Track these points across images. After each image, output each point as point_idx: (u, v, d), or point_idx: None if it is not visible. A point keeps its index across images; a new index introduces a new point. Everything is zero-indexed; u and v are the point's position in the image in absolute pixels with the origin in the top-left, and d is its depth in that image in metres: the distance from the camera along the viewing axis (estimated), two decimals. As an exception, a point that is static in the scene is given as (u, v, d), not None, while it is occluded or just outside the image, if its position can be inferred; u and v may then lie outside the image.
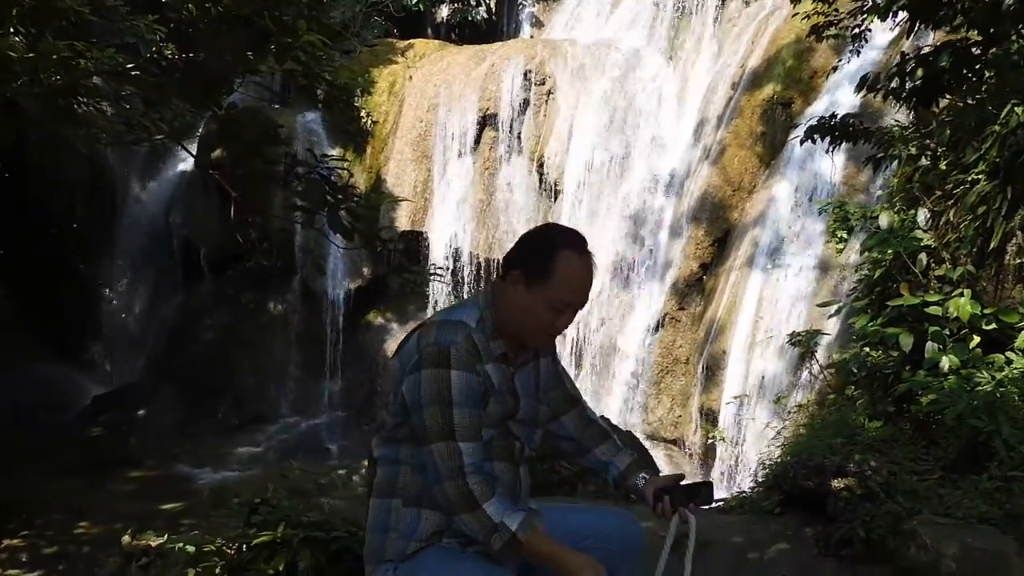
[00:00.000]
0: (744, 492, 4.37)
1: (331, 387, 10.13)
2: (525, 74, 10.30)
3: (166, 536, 3.85)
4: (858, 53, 6.98)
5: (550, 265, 1.83)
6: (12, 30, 5.67)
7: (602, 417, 2.33)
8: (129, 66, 5.72)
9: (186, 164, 10.85)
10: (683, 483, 2.05)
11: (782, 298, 8.18)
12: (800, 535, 3.42)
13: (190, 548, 3.47)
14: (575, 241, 1.90)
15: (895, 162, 5.31)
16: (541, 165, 10.22)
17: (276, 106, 10.43)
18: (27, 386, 9.76)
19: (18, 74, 5.98)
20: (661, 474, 2.17)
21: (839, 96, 8.35)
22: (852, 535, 3.16)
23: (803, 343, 6.28)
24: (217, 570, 3.39)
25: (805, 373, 7.19)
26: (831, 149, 5.61)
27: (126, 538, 4.40)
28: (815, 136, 5.43)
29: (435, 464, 1.79)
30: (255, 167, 6.00)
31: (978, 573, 2.26)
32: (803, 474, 3.51)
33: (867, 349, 4.81)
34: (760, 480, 4.21)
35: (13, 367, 9.77)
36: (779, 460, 4.30)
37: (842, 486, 3.35)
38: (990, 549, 2.30)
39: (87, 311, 10.79)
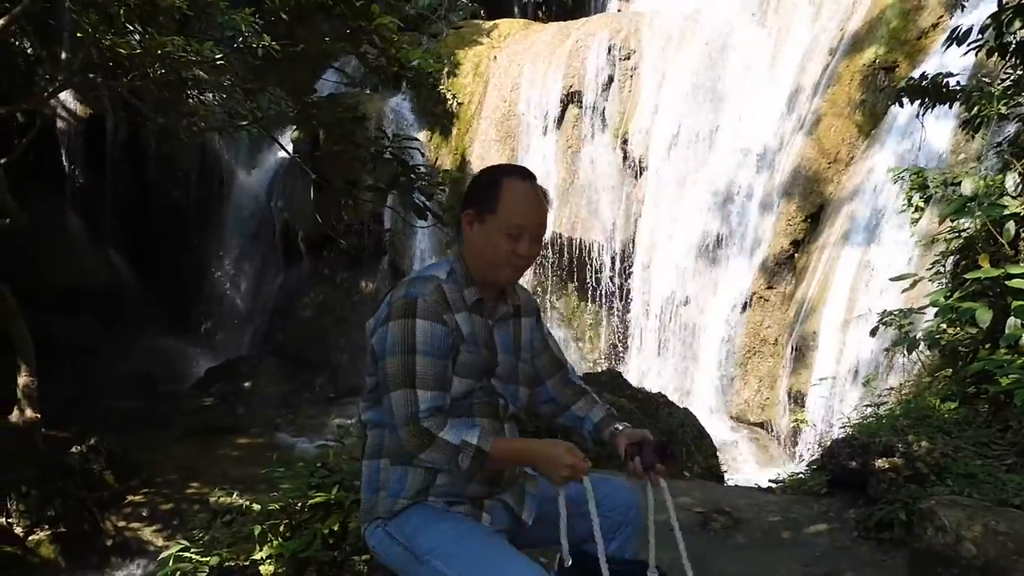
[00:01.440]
0: (800, 474, 4.25)
1: (420, 363, 10.46)
2: (609, 49, 10.14)
3: (234, 495, 4.12)
4: (962, 8, 6.43)
5: (496, 194, 1.87)
6: (124, 28, 6.18)
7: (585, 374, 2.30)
8: (218, 56, 6.09)
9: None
10: (652, 440, 1.98)
11: (880, 276, 7.64)
12: (842, 517, 3.31)
13: (256, 507, 3.77)
14: (518, 171, 1.95)
15: (993, 123, 4.90)
16: (625, 142, 10.04)
17: (367, 92, 10.78)
18: (151, 357, 10.69)
19: (128, 69, 6.53)
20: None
21: (948, 58, 7.84)
22: (892, 518, 3.02)
23: (896, 323, 5.82)
24: (281, 527, 3.65)
25: (900, 355, 6.85)
26: (922, 113, 5.19)
27: (213, 497, 4.82)
28: (902, 99, 5.07)
29: (391, 412, 1.80)
30: (334, 150, 6.26)
31: (1000, 558, 2.10)
32: (847, 453, 3.38)
33: (943, 326, 4.52)
34: (811, 461, 4.09)
35: (140, 340, 10.72)
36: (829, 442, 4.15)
37: (886, 466, 3.21)
38: (1015, 532, 2.14)
39: (200, 288, 11.61)
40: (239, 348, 11.24)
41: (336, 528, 3.46)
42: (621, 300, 10.10)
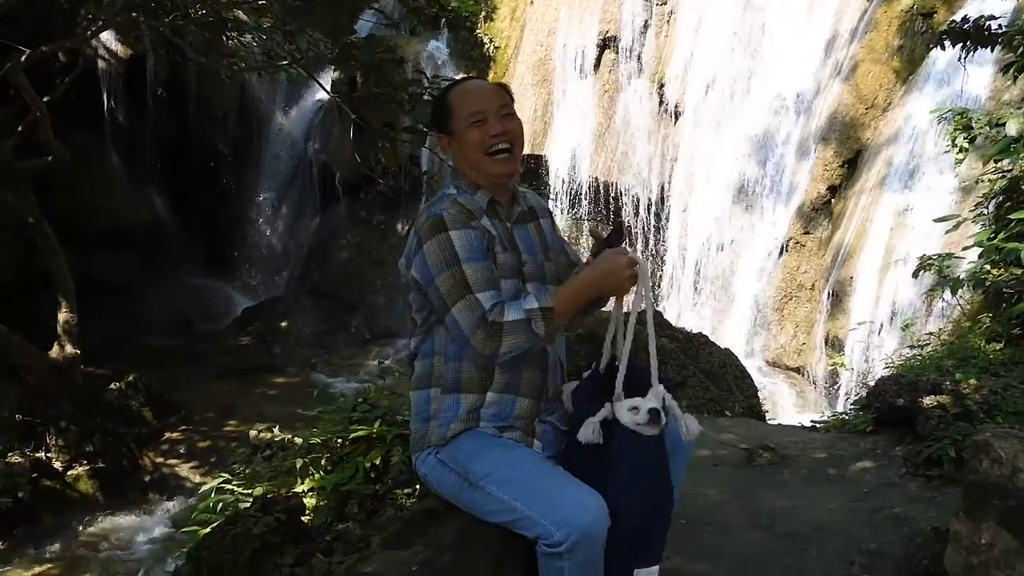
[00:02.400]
0: (843, 414, 4.23)
1: (455, 306, 10.54)
2: (646, -7, 9.94)
3: (275, 429, 4.22)
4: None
5: (447, 104, 1.95)
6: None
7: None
8: (262, -1, 6.01)
9: (323, 93, 11.35)
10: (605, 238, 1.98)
11: (918, 221, 7.63)
12: (889, 454, 3.28)
13: (298, 440, 3.85)
14: (461, 79, 2.14)
15: None
16: (662, 86, 9.92)
17: (405, 35, 10.63)
18: (189, 297, 10.87)
19: (170, 9, 6.51)
20: None
21: (987, 3, 7.43)
22: (942, 454, 2.99)
23: (936, 266, 5.69)
24: (323, 461, 3.74)
25: (940, 300, 6.69)
26: (964, 57, 5.00)
27: (253, 432, 4.94)
28: (944, 42, 4.90)
29: (458, 326, 1.78)
30: (373, 91, 6.20)
31: (1059, 490, 2.07)
32: (895, 391, 3.34)
33: (987, 267, 4.44)
34: (856, 400, 4.06)
35: (179, 279, 10.89)
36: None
37: (935, 404, 3.18)
38: (1074, 464, 2.09)
39: (238, 228, 11.68)
40: (275, 289, 11.37)
41: (378, 462, 3.52)
42: (656, 244, 10.07)
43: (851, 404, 4.31)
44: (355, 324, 10.40)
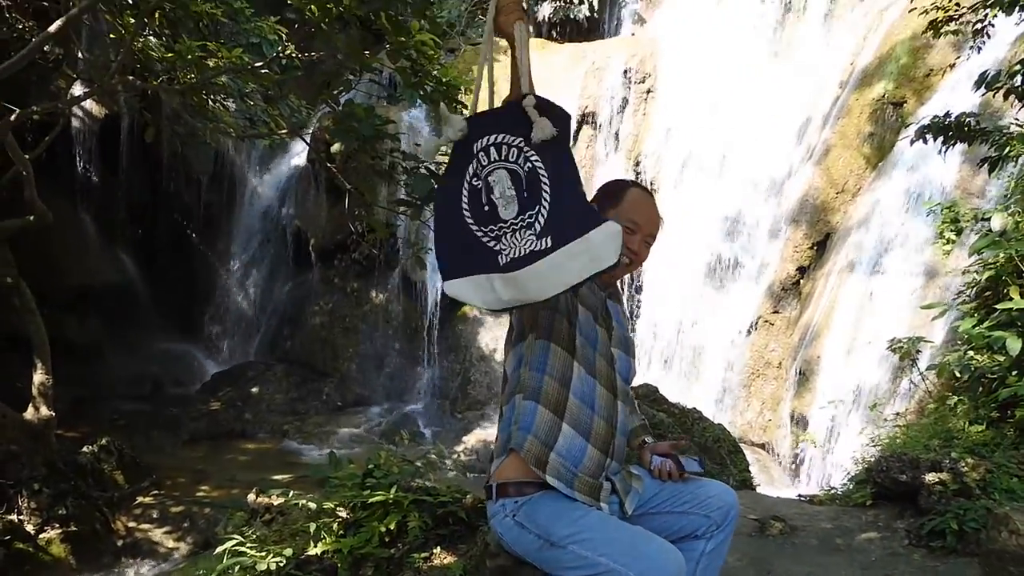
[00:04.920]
0: (834, 488, 4.38)
1: (427, 375, 10.53)
2: (625, 72, 10.38)
3: (291, 494, 4.18)
4: (979, 50, 6.67)
5: (622, 195, 2.13)
6: (152, 32, 6.26)
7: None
8: (259, 64, 6.15)
9: (298, 159, 11.49)
10: (672, 455, 2.19)
11: (884, 304, 7.94)
12: (891, 527, 3.46)
13: (312, 505, 3.83)
14: (642, 185, 2.27)
15: (1012, 163, 5.10)
16: (638, 164, 10.28)
17: (383, 103, 10.87)
18: (159, 361, 10.66)
19: (158, 72, 6.61)
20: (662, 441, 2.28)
21: (956, 96, 7.95)
22: (944, 527, 3.18)
23: (904, 350, 5.98)
24: (335, 525, 3.72)
25: (905, 382, 6.96)
26: (944, 150, 5.35)
27: (251, 496, 4.83)
28: (926, 136, 5.22)
29: None
30: (364, 162, 6.33)
31: (1071, 561, 2.24)
32: (897, 467, 3.55)
33: (971, 353, 4.73)
34: (852, 476, 4.23)
35: (148, 343, 10.67)
36: (873, 458, 4.30)
37: (936, 480, 3.38)
38: (1084, 539, 2.27)
39: (209, 292, 11.56)
40: (247, 354, 11.20)
41: (393, 527, 3.54)
42: (630, 320, 10.26)
43: (847, 479, 4.48)
44: (327, 391, 10.29)
